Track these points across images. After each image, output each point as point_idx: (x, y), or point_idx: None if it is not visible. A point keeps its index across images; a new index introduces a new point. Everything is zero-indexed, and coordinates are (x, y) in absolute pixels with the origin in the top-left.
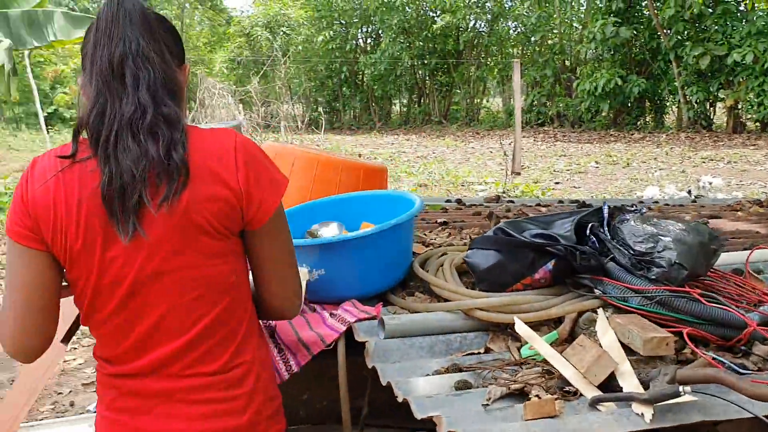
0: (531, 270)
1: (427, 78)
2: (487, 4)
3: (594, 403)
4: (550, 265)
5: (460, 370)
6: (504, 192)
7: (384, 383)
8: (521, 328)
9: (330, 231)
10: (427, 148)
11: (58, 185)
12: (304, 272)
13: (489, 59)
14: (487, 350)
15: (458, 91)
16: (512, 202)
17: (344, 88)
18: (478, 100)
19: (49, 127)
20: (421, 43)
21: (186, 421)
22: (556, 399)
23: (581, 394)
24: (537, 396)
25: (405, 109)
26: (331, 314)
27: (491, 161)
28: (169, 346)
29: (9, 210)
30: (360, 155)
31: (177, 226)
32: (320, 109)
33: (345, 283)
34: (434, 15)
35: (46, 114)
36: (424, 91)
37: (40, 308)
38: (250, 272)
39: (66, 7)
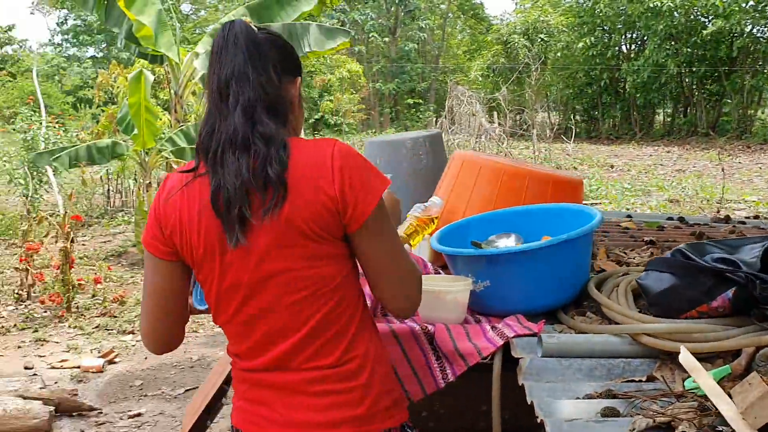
0: (708, 297)
1: (695, 86)
2: None
3: None
4: (730, 293)
5: (614, 397)
6: None
7: (528, 402)
8: (685, 358)
9: (507, 242)
10: (687, 161)
11: (182, 198)
12: (468, 282)
13: (766, 67)
14: (650, 378)
15: (729, 101)
16: (743, 223)
17: (604, 96)
18: (752, 111)
19: (317, 132)
20: (688, 50)
21: (307, 412)
22: None
23: None
24: None
25: (669, 120)
26: (492, 327)
27: (758, 178)
28: (286, 344)
29: (147, 223)
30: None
31: (281, 232)
32: (577, 117)
33: (510, 297)
34: (705, 20)
35: (313, 120)
36: (691, 100)
37: (168, 312)
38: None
39: (330, 19)
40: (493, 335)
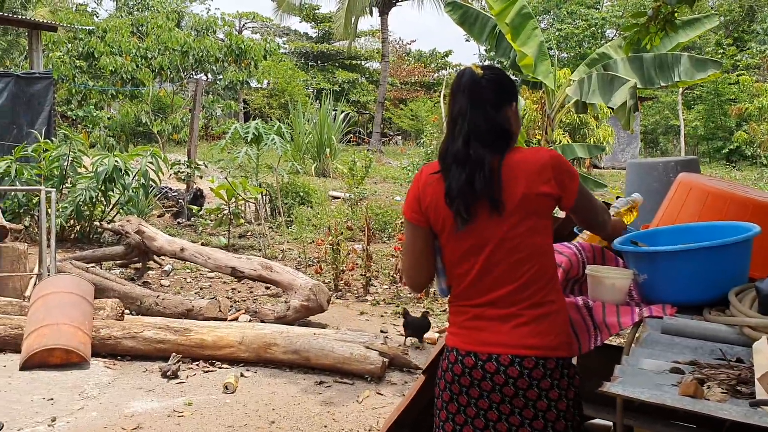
0: None
1: None
2: None
3: (755, 404)
4: None
5: (692, 364)
6: None
7: (623, 358)
8: (760, 346)
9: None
10: None
11: (434, 186)
12: (627, 273)
13: None
14: (739, 360)
15: None
16: None
17: None
18: None
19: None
20: None
21: (511, 336)
22: (710, 388)
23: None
24: (705, 385)
25: None
26: (639, 308)
27: None
28: (503, 290)
29: (405, 201)
30: None
31: (511, 214)
32: None
33: (662, 290)
34: None
35: (727, 150)
36: None
37: (422, 264)
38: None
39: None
40: (635, 314)
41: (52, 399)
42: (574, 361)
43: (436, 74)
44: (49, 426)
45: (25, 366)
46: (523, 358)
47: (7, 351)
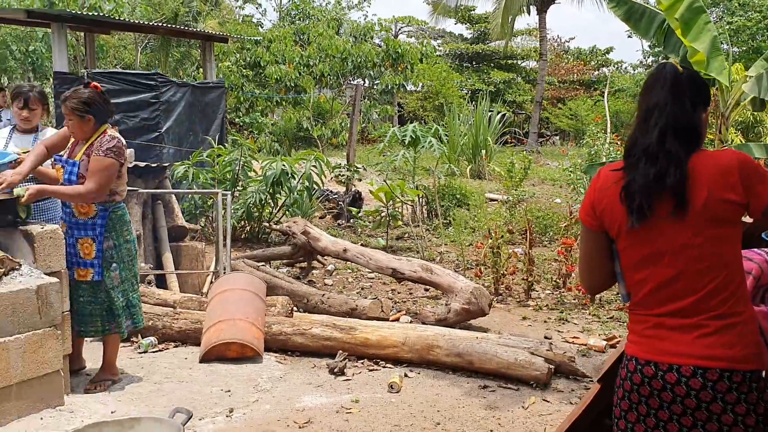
0: None
1: None
2: None
3: None
4: None
5: None
6: None
7: None
8: None
9: None
10: None
11: (611, 189)
12: None
13: None
14: None
15: None
16: None
17: None
18: None
19: None
20: None
21: (692, 346)
22: None
23: None
24: None
25: None
26: None
27: None
28: (686, 301)
29: (582, 202)
30: None
31: (693, 219)
32: None
33: None
34: None
35: None
36: None
37: (595, 268)
38: None
39: None
40: None
41: (229, 391)
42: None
43: (597, 72)
44: (227, 416)
45: (204, 358)
46: (706, 369)
47: (188, 344)
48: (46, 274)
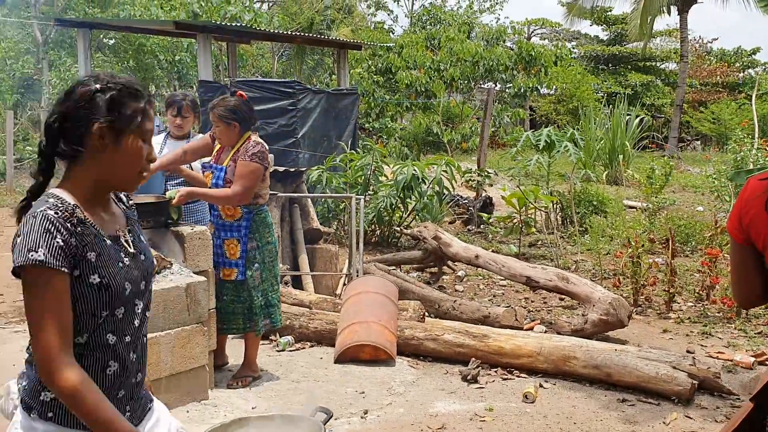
0: None
1: None
2: None
3: None
4: None
5: None
6: None
7: None
8: None
9: None
10: None
11: (759, 200)
12: None
13: None
14: None
15: None
16: None
17: None
18: None
19: None
20: None
21: None
22: None
23: None
24: None
25: None
26: None
27: None
28: None
29: (729, 214)
30: None
31: None
32: None
33: None
34: None
35: None
36: None
37: (743, 280)
38: None
39: None
40: None
41: (363, 392)
42: None
43: (742, 74)
44: (362, 418)
45: (339, 359)
46: None
47: (323, 344)
48: (194, 273)
